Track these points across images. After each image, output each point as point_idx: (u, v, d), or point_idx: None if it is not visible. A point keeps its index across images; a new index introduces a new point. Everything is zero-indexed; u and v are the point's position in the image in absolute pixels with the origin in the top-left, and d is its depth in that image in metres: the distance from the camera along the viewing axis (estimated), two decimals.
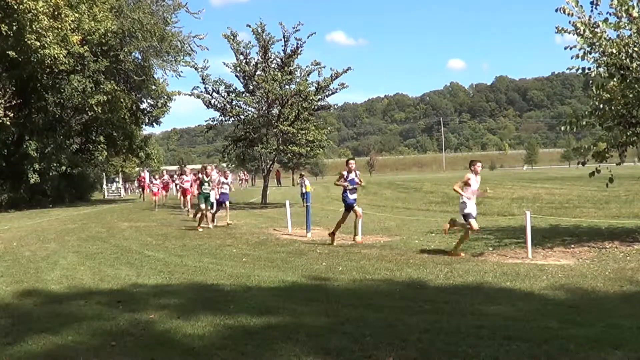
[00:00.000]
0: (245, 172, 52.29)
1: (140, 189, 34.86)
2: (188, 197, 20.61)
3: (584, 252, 8.91)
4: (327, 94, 23.60)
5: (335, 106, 27.00)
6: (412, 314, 5.35)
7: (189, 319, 5.33)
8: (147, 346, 4.59)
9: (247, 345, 4.51)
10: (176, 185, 25.12)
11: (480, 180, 9.27)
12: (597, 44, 9.13)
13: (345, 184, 10.70)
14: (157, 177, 26.90)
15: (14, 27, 21.71)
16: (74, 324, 5.29)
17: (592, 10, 9.24)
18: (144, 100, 32.77)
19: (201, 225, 14.42)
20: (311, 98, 22.96)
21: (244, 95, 23.92)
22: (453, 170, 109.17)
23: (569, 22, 9.26)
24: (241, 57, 23.50)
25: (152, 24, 26.29)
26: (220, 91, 23.79)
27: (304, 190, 19.56)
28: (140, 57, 28.85)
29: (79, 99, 26.04)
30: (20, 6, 21.26)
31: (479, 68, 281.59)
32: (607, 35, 9.19)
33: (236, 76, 23.98)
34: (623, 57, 9.00)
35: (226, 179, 15.79)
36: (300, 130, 22.91)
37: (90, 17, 24.38)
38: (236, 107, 23.74)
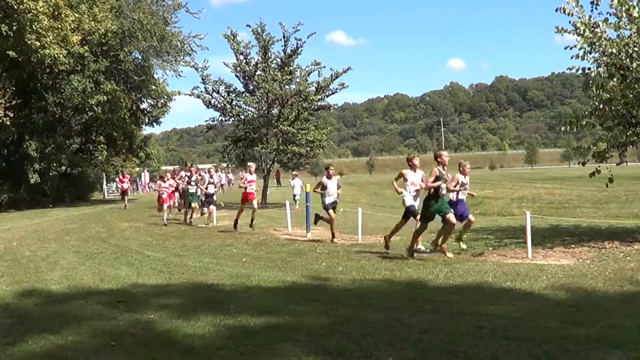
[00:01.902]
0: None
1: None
2: (254, 204, 14.17)
3: (584, 252, 8.91)
4: (327, 94, 23.63)
5: (335, 106, 27.06)
6: (412, 314, 5.35)
7: (189, 319, 5.32)
8: (147, 346, 4.58)
9: (247, 345, 4.51)
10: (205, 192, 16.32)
11: (421, 176, 9.23)
12: (597, 44, 9.13)
13: None
14: (166, 178, 18.50)
15: (14, 27, 21.70)
16: (74, 324, 5.29)
17: (592, 10, 9.25)
18: (144, 100, 32.77)
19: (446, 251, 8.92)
20: (311, 98, 22.98)
21: (244, 95, 23.94)
22: (453, 170, 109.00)
23: (569, 22, 9.27)
24: (241, 57, 23.53)
25: (152, 24, 26.30)
26: (220, 91, 23.83)
27: (295, 191, 19.06)
28: (140, 57, 28.85)
29: (79, 99, 26.03)
30: (20, 6, 21.26)
31: (479, 68, 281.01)
32: (607, 35, 9.19)
33: (236, 76, 24.02)
34: (623, 57, 9.00)
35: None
36: (300, 130, 22.93)
37: (90, 17, 24.38)
38: (236, 107, 23.77)
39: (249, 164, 15.14)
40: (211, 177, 17.95)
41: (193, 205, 16.55)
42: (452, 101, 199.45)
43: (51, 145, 26.38)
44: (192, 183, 16.74)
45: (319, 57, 24.88)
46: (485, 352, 4.11)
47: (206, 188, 16.30)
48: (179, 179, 18.93)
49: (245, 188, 13.84)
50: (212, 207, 16.06)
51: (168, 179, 18.31)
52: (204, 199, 16.46)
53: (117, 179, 32.63)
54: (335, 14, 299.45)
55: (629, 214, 14.21)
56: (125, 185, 26.03)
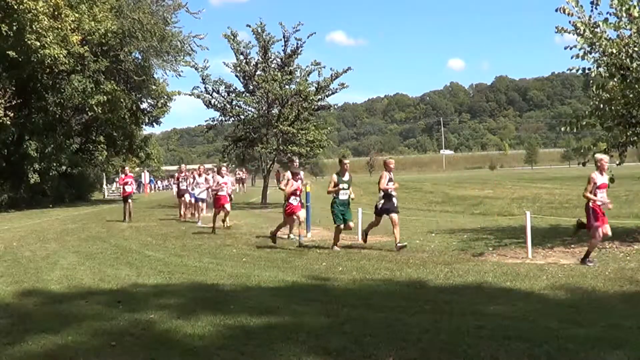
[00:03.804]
0: (244, 171, 48.83)
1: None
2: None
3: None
4: (327, 94, 23.63)
5: (335, 106, 27.03)
6: (412, 314, 5.35)
7: (189, 319, 5.32)
8: (147, 346, 4.58)
9: (247, 345, 4.51)
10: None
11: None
12: (597, 44, 9.14)
13: None
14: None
15: (14, 27, 21.70)
16: (74, 324, 5.29)
17: (592, 10, 9.26)
18: (144, 100, 32.79)
19: None
20: (311, 98, 22.99)
21: (244, 95, 23.95)
22: (453, 170, 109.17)
23: (569, 22, 9.28)
24: (241, 57, 23.54)
25: (152, 24, 26.30)
26: (220, 91, 23.84)
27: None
28: (140, 57, 28.86)
29: (79, 99, 26.04)
30: (20, 6, 21.26)
31: (479, 68, 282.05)
32: (607, 35, 9.19)
33: (236, 76, 24.03)
34: (623, 57, 9.00)
35: None
36: (300, 130, 22.94)
37: (90, 17, 24.39)
38: (236, 107, 23.77)
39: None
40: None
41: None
42: (452, 101, 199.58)
43: (51, 145, 26.38)
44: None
45: (319, 57, 24.84)
46: (485, 352, 4.11)
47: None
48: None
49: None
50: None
51: (227, 174, 14.51)
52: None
53: (118, 179, 26.69)
54: (335, 14, 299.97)
55: (629, 214, 14.21)
56: (129, 188, 17.91)
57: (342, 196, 10.03)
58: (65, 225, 16.84)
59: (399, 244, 9.65)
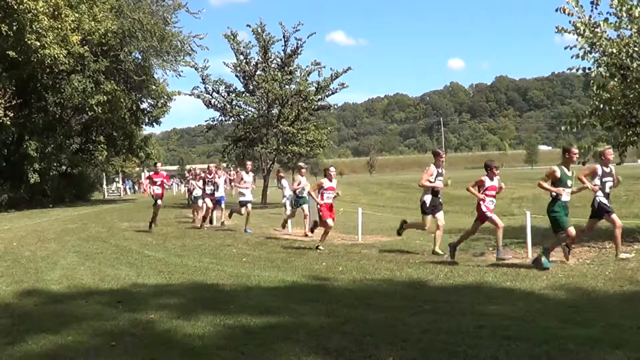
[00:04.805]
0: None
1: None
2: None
3: (584, 252, 8.91)
4: (327, 94, 23.69)
5: (335, 106, 27.14)
6: (412, 314, 5.35)
7: (189, 319, 5.32)
8: (147, 346, 4.58)
9: (247, 345, 4.50)
10: None
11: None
12: (597, 43, 9.15)
13: None
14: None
15: (14, 27, 21.71)
16: (74, 324, 5.29)
17: (592, 10, 9.27)
18: (144, 100, 32.81)
19: None
20: (311, 98, 23.04)
21: (244, 95, 24.00)
22: (453, 170, 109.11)
23: (569, 22, 9.30)
24: (241, 57, 23.59)
25: (152, 24, 26.30)
26: (220, 91, 23.90)
27: (285, 194, 16.98)
28: (140, 57, 28.87)
29: (79, 99, 26.05)
30: (20, 6, 21.26)
31: (479, 68, 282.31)
32: (608, 35, 9.21)
33: (236, 76, 24.10)
34: (623, 57, 9.01)
35: None
36: (300, 130, 22.98)
37: (90, 17, 24.39)
38: (236, 107, 23.82)
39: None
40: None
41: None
42: (452, 101, 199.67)
43: (51, 145, 26.39)
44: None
45: (319, 57, 24.93)
46: (485, 352, 4.11)
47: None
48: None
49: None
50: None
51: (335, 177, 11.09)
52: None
53: (144, 179, 23.58)
54: (335, 14, 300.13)
55: (629, 214, 14.20)
56: (159, 189, 14.98)
57: (566, 197, 7.72)
58: (65, 225, 16.84)
59: (622, 255, 7.98)
